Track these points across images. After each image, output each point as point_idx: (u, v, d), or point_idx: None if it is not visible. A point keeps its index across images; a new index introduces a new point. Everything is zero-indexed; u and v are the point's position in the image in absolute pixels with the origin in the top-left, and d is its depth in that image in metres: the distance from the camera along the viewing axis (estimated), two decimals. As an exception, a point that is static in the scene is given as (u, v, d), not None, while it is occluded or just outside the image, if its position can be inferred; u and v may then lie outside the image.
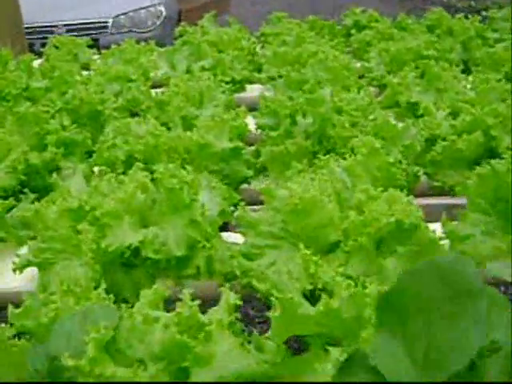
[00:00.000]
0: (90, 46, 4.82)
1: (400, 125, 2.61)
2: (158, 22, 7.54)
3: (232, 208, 2.12)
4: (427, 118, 2.68)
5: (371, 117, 2.83)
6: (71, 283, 1.71)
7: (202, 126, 2.56)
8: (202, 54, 3.95)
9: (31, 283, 2.02)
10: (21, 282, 2.03)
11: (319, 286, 1.73)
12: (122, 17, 7.43)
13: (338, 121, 2.58)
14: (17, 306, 1.62)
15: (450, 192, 2.56)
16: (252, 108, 3.28)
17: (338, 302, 1.36)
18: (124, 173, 2.45)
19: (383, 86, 3.77)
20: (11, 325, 1.54)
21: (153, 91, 3.63)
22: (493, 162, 2.05)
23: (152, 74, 4.09)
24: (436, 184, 2.56)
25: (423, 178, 2.60)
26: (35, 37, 6.83)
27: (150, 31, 7.53)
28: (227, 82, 3.68)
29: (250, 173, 2.49)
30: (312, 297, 1.76)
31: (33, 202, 2.37)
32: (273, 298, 1.44)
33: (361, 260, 1.84)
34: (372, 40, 4.56)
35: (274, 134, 2.51)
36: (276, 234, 1.85)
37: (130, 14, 7.47)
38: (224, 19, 6.10)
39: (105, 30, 7.37)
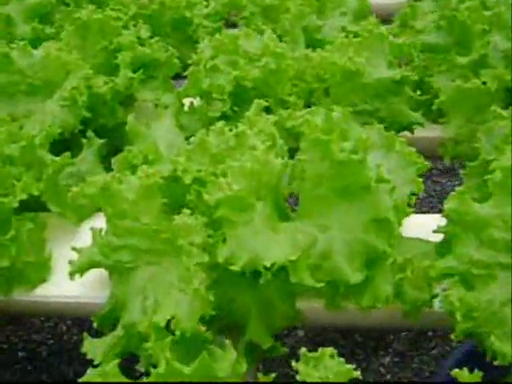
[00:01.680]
0: None
1: None
2: None
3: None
4: None
5: None
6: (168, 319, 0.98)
7: (345, 44, 1.72)
8: None
9: (96, 291, 1.29)
10: (82, 286, 1.30)
11: None
12: None
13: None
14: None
15: None
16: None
17: None
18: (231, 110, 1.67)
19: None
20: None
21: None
22: None
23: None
24: None
25: None
26: None
27: None
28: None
29: (419, 117, 1.66)
30: None
31: (100, 155, 1.63)
32: None
33: None
34: None
35: (462, 60, 1.63)
36: (521, 245, 1.04)
37: None
38: None
39: None
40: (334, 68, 1.64)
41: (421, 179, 1.19)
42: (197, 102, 1.82)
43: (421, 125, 1.66)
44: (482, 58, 1.62)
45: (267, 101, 1.69)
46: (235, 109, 1.73)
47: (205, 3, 2.50)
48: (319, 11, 2.40)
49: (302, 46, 2.03)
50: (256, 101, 1.45)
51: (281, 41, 2.08)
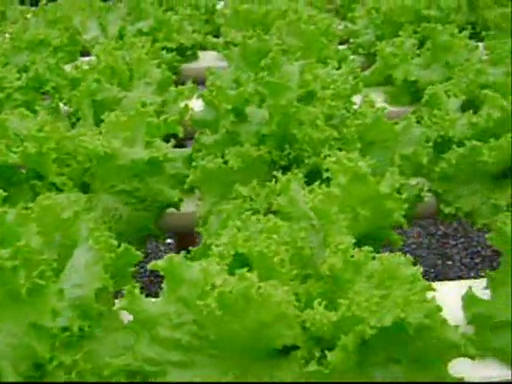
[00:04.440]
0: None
1: (398, 124, 1.79)
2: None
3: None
4: (437, 112, 1.86)
5: (355, 106, 2.02)
6: None
7: (111, 123, 1.75)
8: (143, 13, 3.09)
9: None
10: None
11: None
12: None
13: (308, 115, 1.77)
14: None
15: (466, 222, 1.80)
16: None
17: None
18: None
19: (372, 56, 2.95)
20: None
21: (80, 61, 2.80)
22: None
23: (85, 37, 3.26)
24: (446, 209, 1.76)
25: (430, 199, 1.78)
26: None
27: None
28: (172, 50, 2.85)
29: (176, 195, 1.69)
30: None
31: None
32: None
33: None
34: (360, -5, 3.72)
35: (207, 139, 1.69)
36: (186, 343, 1.07)
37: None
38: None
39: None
40: (88, 152, 1.66)
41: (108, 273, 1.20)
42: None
43: (179, 202, 1.70)
44: (229, 135, 1.68)
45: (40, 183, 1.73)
46: (10, 189, 1.74)
47: (17, 75, 2.50)
48: (129, 81, 2.45)
49: (90, 122, 2.05)
50: None
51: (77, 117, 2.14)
